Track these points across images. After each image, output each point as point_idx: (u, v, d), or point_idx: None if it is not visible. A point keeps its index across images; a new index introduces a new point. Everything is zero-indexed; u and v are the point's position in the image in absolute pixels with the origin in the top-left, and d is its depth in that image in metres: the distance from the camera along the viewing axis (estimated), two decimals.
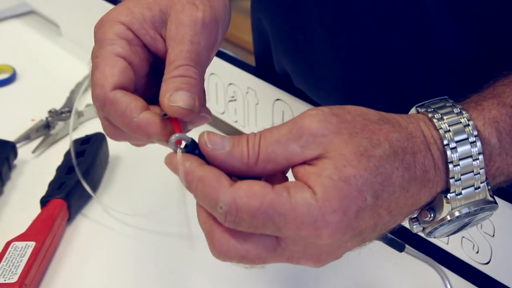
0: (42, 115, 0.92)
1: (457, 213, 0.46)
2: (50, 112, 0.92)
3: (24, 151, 0.85)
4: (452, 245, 0.65)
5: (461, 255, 0.64)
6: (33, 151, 0.86)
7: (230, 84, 0.83)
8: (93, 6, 1.02)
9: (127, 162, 0.84)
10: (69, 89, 0.98)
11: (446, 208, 0.46)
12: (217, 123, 0.89)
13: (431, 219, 0.47)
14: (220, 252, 0.44)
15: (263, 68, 0.89)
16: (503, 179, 0.48)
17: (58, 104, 0.94)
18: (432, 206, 0.47)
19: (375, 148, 0.44)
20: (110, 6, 0.98)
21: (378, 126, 0.45)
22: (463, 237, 0.63)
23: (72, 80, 1.01)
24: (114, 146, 0.84)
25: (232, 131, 0.86)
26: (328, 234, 0.42)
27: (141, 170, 0.83)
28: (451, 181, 0.45)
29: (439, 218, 0.47)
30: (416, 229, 0.48)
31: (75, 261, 0.69)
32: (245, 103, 0.82)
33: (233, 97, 0.84)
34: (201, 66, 0.52)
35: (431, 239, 0.66)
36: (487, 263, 0.62)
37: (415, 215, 0.48)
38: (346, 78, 0.72)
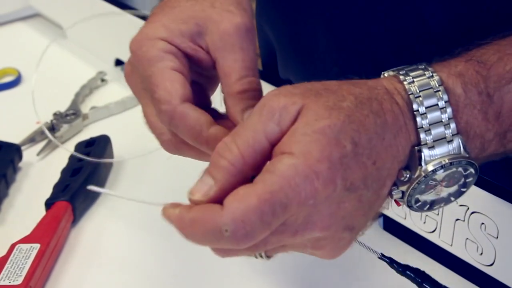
0: (47, 117, 0.92)
1: (430, 167, 0.46)
2: (55, 114, 0.92)
3: (29, 154, 0.85)
4: (456, 246, 0.65)
5: (465, 257, 0.64)
6: (38, 154, 0.86)
7: None
8: (97, 8, 1.02)
9: (131, 165, 0.84)
10: (74, 92, 0.98)
11: (422, 161, 0.46)
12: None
13: (407, 178, 0.46)
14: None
15: (269, 73, 0.89)
16: (479, 142, 0.47)
17: (63, 107, 0.94)
18: (408, 165, 0.46)
19: (341, 101, 0.44)
20: (114, 9, 0.99)
21: (339, 87, 0.45)
22: (467, 238, 0.63)
23: (77, 82, 1.01)
24: (119, 149, 0.84)
25: None
26: (322, 184, 0.42)
27: (145, 173, 0.83)
28: (421, 133, 0.45)
29: (415, 175, 0.46)
30: (396, 195, 0.47)
31: (79, 263, 0.69)
32: None
33: None
34: (257, 71, 0.52)
35: (438, 242, 0.66)
36: (491, 264, 0.62)
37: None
38: None
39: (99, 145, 0.81)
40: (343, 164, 0.43)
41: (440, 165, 0.46)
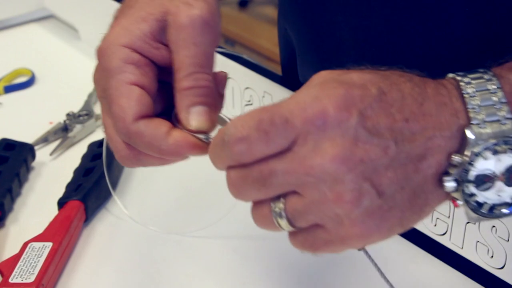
0: (60, 118, 0.92)
1: (480, 148, 0.43)
2: (68, 115, 0.93)
3: (42, 154, 0.86)
4: (467, 249, 0.65)
5: (476, 260, 0.64)
6: (51, 154, 0.86)
7: (247, 88, 0.84)
8: (111, 10, 1.03)
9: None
10: (87, 93, 0.99)
11: (471, 140, 0.43)
12: None
13: (457, 161, 0.43)
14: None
15: (289, 77, 0.89)
16: None
17: (76, 107, 0.95)
18: (459, 150, 0.44)
19: (383, 71, 0.44)
20: None
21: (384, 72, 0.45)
22: (478, 241, 0.63)
23: (90, 83, 1.00)
24: None
25: None
26: (333, 106, 0.41)
27: (158, 173, 0.83)
28: (470, 112, 0.43)
29: (465, 158, 0.43)
30: (448, 183, 0.44)
31: (91, 262, 0.70)
32: None
33: (249, 101, 0.84)
34: (209, 68, 0.52)
35: (448, 245, 0.66)
36: (502, 267, 0.62)
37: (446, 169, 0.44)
38: None
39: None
40: (363, 102, 0.42)
41: (490, 143, 0.43)
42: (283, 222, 0.45)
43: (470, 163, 0.44)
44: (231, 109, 0.87)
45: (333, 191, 0.42)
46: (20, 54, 1.14)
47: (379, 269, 0.51)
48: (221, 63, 0.85)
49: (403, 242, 0.71)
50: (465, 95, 0.44)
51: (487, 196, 0.45)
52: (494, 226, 0.61)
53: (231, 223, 0.73)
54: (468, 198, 0.45)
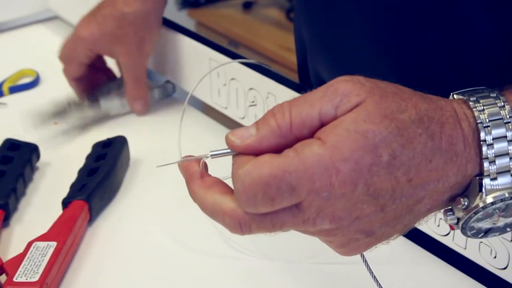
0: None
1: (490, 199, 0.45)
2: None
3: (46, 154, 0.86)
4: (470, 250, 0.65)
5: (479, 260, 0.64)
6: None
7: (251, 89, 0.84)
8: None
9: (148, 166, 0.85)
10: None
11: (484, 192, 0.45)
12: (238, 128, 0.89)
13: (464, 206, 0.45)
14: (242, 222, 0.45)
15: (304, 78, 0.88)
16: None
17: None
18: (467, 194, 0.45)
19: (401, 112, 0.43)
20: None
21: (409, 96, 0.45)
22: (481, 242, 0.63)
23: None
24: (136, 150, 0.85)
25: None
26: (339, 182, 0.42)
27: (162, 174, 0.83)
28: (485, 163, 0.44)
29: (473, 205, 0.45)
30: (450, 220, 0.47)
31: (95, 262, 0.70)
32: (265, 108, 0.83)
33: (253, 102, 0.84)
34: None
35: (452, 245, 0.66)
36: (505, 268, 0.62)
37: (450, 206, 0.47)
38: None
39: (115, 146, 0.82)
40: (371, 171, 0.42)
41: (501, 197, 0.45)
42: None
43: (476, 212, 0.45)
44: (235, 110, 0.87)
45: (325, 239, 0.47)
46: (25, 55, 1.15)
47: (367, 265, 0.53)
48: (228, 65, 0.85)
49: (406, 242, 0.71)
50: (482, 142, 0.44)
51: (483, 225, 0.47)
52: None
53: None
54: (466, 231, 0.47)
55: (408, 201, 0.44)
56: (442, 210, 0.47)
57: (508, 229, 0.48)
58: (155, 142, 0.90)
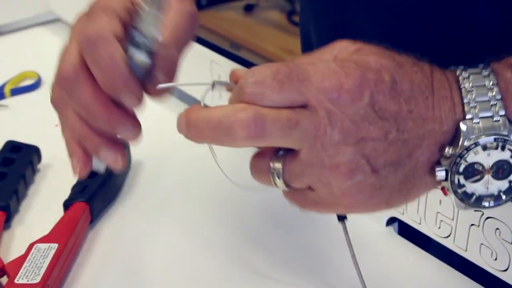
0: None
1: (471, 141, 0.46)
2: None
3: (48, 155, 0.86)
4: (471, 252, 0.65)
5: (480, 262, 0.64)
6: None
7: None
8: None
9: (149, 169, 0.85)
10: None
11: (463, 134, 0.46)
12: None
13: (449, 154, 0.46)
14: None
15: None
16: None
17: None
18: (452, 142, 0.47)
19: (398, 56, 0.47)
20: None
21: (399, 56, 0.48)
22: (482, 244, 0.63)
23: None
24: (137, 152, 0.85)
25: None
26: (348, 85, 0.44)
27: (162, 177, 0.84)
28: (466, 106, 0.46)
29: (457, 150, 0.46)
30: (439, 173, 0.47)
31: (96, 263, 0.70)
32: None
33: None
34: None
35: (452, 247, 0.66)
36: (506, 270, 0.62)
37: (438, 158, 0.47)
38: None
39: None
40: (377, 86, 0.45)
41: (482, 139, 0.46)
42: (279, 182, 0.48)
43: (461, 156, 0.46)
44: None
45: (332, 161, 0.46)
46: (27, 57, 1.15)
47: (351, 249, 0.54)
48: (228, 67, 0.85)
49: (408, 245, 0.71)
50: (463, 89, 0.47)
51: (475, 188, 0.48)
52: (498, 229, 0.61)
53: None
54: (457, 188, 0.48)
55: (409, 136, 0.46)
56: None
57: (503, 196, 0.49)
58: (157, 144, 0.90)
